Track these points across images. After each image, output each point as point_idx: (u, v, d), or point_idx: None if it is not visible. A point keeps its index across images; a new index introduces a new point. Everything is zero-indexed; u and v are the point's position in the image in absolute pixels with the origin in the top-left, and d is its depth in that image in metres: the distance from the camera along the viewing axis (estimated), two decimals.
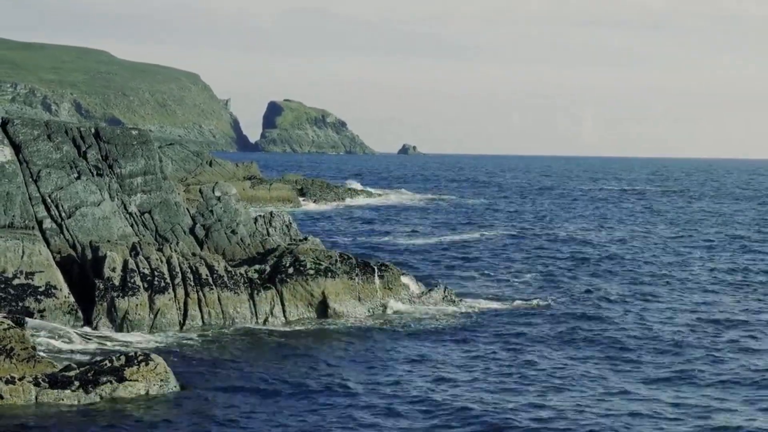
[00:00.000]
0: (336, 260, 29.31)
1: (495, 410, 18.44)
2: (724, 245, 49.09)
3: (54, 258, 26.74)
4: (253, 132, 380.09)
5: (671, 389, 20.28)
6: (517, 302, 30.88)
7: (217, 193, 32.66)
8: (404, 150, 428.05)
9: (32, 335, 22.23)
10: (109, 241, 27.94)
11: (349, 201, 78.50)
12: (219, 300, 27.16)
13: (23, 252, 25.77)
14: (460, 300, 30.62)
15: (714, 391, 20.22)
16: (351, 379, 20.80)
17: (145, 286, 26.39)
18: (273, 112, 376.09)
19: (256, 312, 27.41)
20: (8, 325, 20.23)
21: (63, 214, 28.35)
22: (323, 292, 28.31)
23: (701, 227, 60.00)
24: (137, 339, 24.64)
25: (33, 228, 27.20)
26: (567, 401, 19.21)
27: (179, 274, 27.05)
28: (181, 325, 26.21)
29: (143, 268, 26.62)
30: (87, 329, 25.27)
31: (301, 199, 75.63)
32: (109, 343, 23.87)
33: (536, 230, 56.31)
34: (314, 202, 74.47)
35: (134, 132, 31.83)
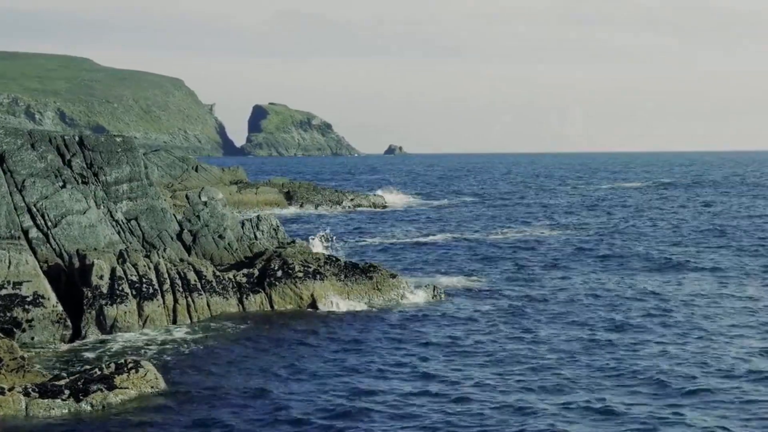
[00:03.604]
0: (324, 262, 29.31)
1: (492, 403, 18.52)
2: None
3: (41, 267, 26.64)
4: (238, 136, 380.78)
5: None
6: (505, 300, 30.88)
7: (204, 198, 32.61)
8: (390, 150, 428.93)
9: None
10: (96, 249, 27.85)
11: (337, 204, 78.33)
12: (208, 305, 27.12)
13: (10, 262, 25.66)
14: (450, 298, 30.64)
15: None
16: (341, 370, 20.80)
17: (134, 293, 26.33)
18: (258, 115, 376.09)
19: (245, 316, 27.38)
20: None
21: (49, 223, 28.25)
22: (312, 295, 28.31)
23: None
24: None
25: (19, 238, 27.09)
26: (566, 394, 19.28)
27: (167, 281, 27.00)
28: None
29: (131, 275, 26.55)
30: None
31: (288, 203, 75.57)
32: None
33: (534, 230, 56.44)
34: (301, 206, 74.29)
35: (119, 139, 31.75)
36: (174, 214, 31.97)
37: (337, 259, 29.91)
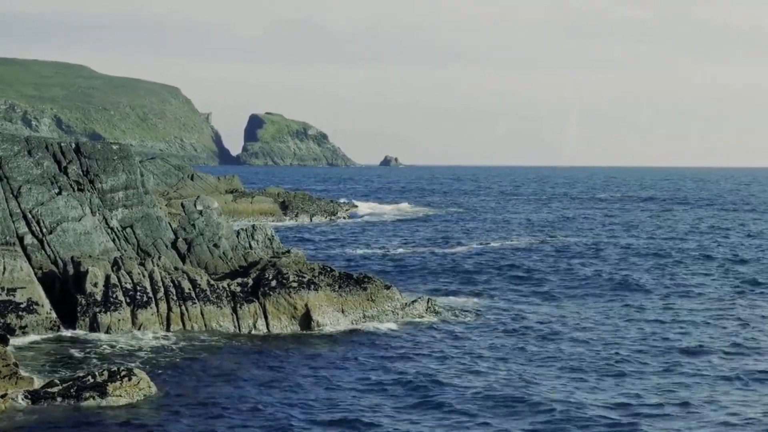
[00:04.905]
0: (319, 273, 29.31)
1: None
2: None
3: (35, 274, 26.63)
4: (234, 145, 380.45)
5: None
6: (499, 313, 30.92)
7: (199, 207, 32.63)
8: (386, 162, 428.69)
9: None
10: (90, 256, 27.86)
11: (332, 214, 78.35)
12: (202, 314, 27.11)
13: (4, 268, 25.65)
14: (444, 311, 30.65)
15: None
16: (334, 385, 20.82)
17: (128, 300, 26.32)
18: (254, 125, 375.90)
19: (239, 325, 27.37)
20: None
21: (44, 230, 28.25)
22: (306, 305, 28.29)
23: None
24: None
25: (14, 244, 27.09)
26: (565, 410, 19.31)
27: (161, 289, 26.99)
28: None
29: (125, 283, 26.55)
30: None
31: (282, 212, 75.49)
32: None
33: (527, 240, 56.49)
34: (296, 216, 74.16)
35: (115, 147, 31.80)
36: (169, 223, 31.98)
37: (332, 270, 29.91)
